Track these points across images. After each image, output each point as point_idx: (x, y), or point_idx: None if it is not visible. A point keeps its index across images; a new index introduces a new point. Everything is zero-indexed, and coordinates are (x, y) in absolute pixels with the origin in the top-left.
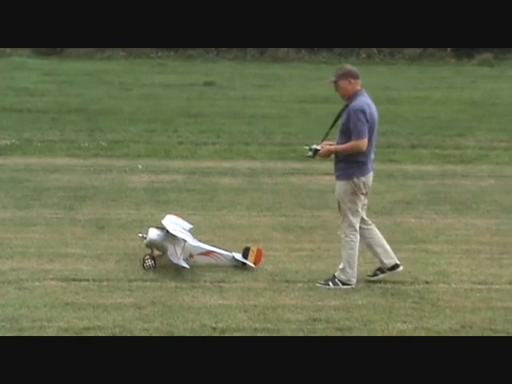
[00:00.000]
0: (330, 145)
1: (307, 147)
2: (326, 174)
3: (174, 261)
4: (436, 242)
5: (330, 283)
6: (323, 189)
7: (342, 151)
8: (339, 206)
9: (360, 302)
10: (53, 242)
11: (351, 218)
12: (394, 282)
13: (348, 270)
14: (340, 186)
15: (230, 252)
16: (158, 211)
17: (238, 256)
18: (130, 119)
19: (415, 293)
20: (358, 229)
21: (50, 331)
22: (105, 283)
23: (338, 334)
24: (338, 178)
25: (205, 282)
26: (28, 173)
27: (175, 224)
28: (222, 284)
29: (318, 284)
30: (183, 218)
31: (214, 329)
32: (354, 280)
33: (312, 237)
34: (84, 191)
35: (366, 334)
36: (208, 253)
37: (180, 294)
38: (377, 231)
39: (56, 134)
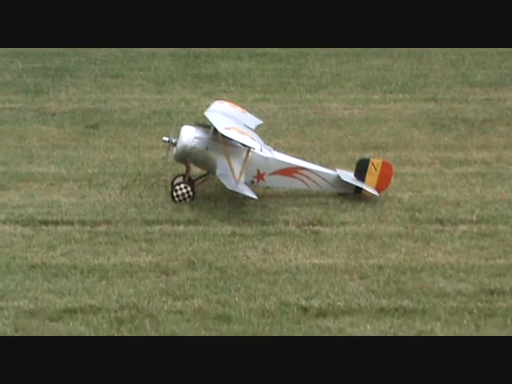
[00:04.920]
0: None
1: None
2: None
3: (229, 185)
4: None
5: None
6: None
7: None
8: None
9: None
10: None
11: None
12: None
13: None
14: None
15: (334, 170)
16: (197, 95)
17: (347, 176)
18: None
19: None
20: None
21: None
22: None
23: None
24: None
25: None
26: None
27: (229, 118)
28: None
29: None
30: (243, 108)
31: None
32: None
33: (487, 138)
34: None
35: None
36: (291, 170)
37: None
38: None
39: None
